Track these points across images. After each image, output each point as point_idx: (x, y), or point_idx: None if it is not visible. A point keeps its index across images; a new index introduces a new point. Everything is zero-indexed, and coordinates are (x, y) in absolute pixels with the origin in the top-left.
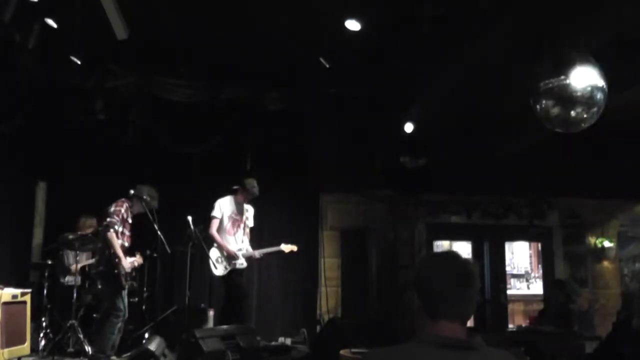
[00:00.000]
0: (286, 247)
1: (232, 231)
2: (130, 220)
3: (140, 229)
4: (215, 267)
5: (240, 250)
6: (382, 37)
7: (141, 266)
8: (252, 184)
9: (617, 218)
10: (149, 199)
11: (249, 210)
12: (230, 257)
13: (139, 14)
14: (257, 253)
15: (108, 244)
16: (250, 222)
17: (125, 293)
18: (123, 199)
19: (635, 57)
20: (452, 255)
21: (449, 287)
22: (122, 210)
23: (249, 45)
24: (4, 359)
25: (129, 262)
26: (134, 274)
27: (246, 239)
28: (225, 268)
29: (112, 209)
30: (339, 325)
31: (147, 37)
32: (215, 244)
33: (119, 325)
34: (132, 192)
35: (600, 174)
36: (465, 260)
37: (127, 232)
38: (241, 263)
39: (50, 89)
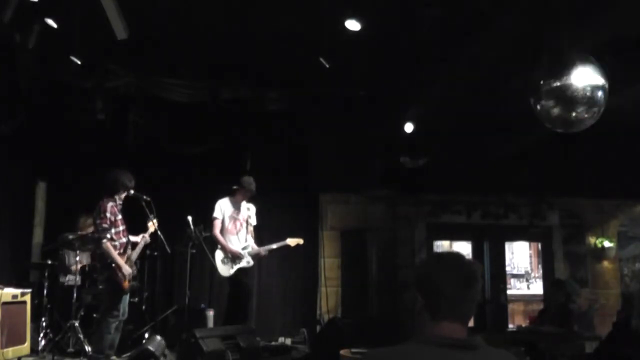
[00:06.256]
0: (292, 241)
1: (234, 230)
2: (119, 216)
3: (140, 229)
4: (222, 268)
5: (245, 248)
6: (382, 37)
7: (141, 266)
8: (250, 181)
9: (617, 218)
10: (128, 182)
11: (251, 209)
12: (234, 257)
13: (139, 14)
14: (263, 250)
15: (106, 255)
16: (254, 221)
17: (127, 295)
18: (103, 200)
19: (635, 57)
20: (456, 256)
21: (452, 287)
22: (108, 214)
23: (249, 45)
24: (4, 359)
25: (129, 268)
26: (134, 273)
27: (250, 238)
28: (232, 268)
29: (98, 220)
30: (339, 325)
31: (147, 37)
32: (219, 246)
33: (116, 324)
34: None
35: (600, 174)
36: (469, 261)
37: (120, 228)
38: (247, 261)
39: (50, 89)
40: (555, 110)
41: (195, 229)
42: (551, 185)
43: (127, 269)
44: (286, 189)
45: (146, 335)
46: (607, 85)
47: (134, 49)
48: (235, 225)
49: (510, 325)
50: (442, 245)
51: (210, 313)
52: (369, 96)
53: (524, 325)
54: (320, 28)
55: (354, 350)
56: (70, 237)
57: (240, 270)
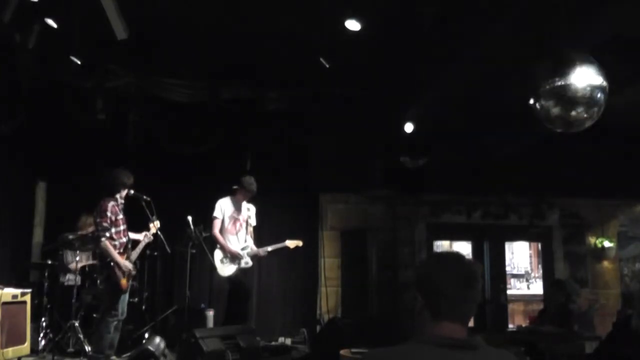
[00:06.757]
0: (291, 243)
1: (233, 230)
2: (120, 215)
3: (141, 228)
4: (221, 268)
5: (244, 249)
6: (382, 37)
7: (141, 266)
8: (250, 181)
9: (617, 218)
10: (126, 180)
11: (251, 209)
12: (233, 257)
13: (138, 13)
14: (262, 251)
15: (105, 254)
16: (253, 221)
17: (126, 294)
18: (103, 200)
19: (635, 56)
20: (456, 256)
21: (453, 287)
22: (108, 213)
23: (249, 45)
24: (4, 359)
25: (129, 264)
26: (134, 272)
27: (249, 238)
28: (230, 268)
29: (99, 218)
30: (339, 325)
31: (147, 37)
32: (218, 245)
33: (115, 324)
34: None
35: (600, 174)
36: (470, 261)
37: (121, 227)
38: (246, 262)
39: (50, 89)
40: (555, 110)
41: (195, 229)
42: (551, 185)
43: (126, 265)
44: (286, 189)
45: (146, 335)
46: (607, 85)
47: (134, 49)
48: (235, 226)
49: (510, 325)
50: (442, 245)
51: (210, 313)
52: (369, 96)
53: (524, 325)
54: (320, 28)
55: (354, 350)
56: (70, 237)
57: (239, 270)
